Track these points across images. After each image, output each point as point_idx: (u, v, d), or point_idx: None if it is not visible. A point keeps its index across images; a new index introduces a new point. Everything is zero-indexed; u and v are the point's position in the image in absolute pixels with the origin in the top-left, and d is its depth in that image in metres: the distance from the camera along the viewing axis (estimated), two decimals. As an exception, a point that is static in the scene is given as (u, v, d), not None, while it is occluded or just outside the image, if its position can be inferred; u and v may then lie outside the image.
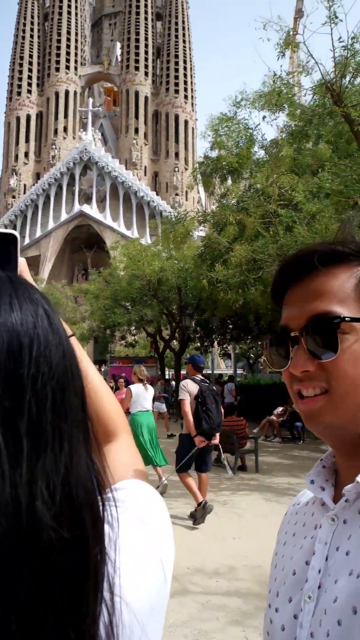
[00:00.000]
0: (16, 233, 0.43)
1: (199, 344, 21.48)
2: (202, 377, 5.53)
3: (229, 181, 10.86)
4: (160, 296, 18.60)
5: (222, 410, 5.44)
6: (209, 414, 5.00)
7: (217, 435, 5.26)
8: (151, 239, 22.97)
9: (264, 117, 9.85)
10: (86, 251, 55.79)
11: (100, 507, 0.39)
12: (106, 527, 0.40)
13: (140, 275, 18.33)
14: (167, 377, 24.82)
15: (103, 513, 0.40)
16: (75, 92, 60.44)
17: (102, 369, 37.72)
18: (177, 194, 56.76)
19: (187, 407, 5.07)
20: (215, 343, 20.18)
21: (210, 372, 28.44)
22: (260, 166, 10.06)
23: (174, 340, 21.56)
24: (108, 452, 0.64)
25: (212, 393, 5.24)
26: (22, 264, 0.49)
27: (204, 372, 5.92)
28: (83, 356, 0.62)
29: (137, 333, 25.94)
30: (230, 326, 16.30)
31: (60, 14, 60.24)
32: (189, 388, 5.18)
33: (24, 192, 57.26)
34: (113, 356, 28.19)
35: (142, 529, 0.50)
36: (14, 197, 58.57)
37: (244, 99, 10.33)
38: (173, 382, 20.20)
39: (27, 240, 53.97)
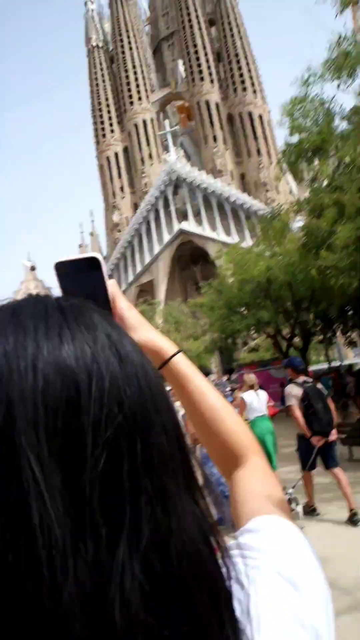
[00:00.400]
0: (98, 255, 0.38)
1: (321, 337, 20.57)
2: (305, 378, 5.61)
3: (316, 162, 10.35)
4: (272, 295, 18.22)
5: (332, 406, 5.35)
6: (317, 415, 5.07)
7: (334, 432, 5.27)
8: (252, 241, 22.68)
9: (338, 86, 9.27)
10: (194, 266, 57.00)
11: (222, 573, 0.30)
12: (235, 596, 0.30)
13: (249, 279, 18.17)
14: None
15: (226, 583, 0.29)
16: (151, 119, 62.80)
17: (232, 377, 37.98)
18: (267, 190, 55.60)
19: (297, 412, 5.20)
20: (338, 333, 19.14)
21: (339, 363, 27.11)
22: (345, 139, 9.44)
23: (295, 338, 20.92)
24: (236, 482, 0.54)
25: (316, 393, 5.27)
26: (111, 285, 0.43)
27: (322, 367, 5.85)
28: (194, 374, 0.55)
29: (257, 337, 25.68)
30: (350, 312, 15.36)
31: (123, 52, 63.38)
32: (294, 392, 5.33)
33: (127, 224, 60.52)
34: (239, 364, 28.17)
35: (289, 592, 0.34)
36: (119, 230, 62.20)
37: (312, 75, 9.84)
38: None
39: (139, 268, 56.78)
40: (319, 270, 10.05)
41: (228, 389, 33.09)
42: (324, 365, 26.55)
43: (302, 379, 5.51)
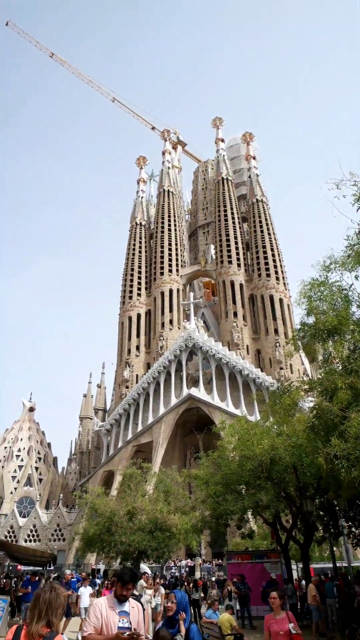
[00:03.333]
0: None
1: (325, 532, 18.35)
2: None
3: (330, 344, 10.24)
4: (274, 477, 16.77)
5: None
6: None
7: None
8: (260, 416, 21.94)
9: (356, 277, 9.55)
10: (197, 434, 55.25)
11: None
12: None
13: (251, 456, 16.95)
14: (295, 573, 21.05)
15: None
16: (178, 290, 67.49)
17: (222, 563, 33.74)
18: (281, 368, 56.52)
19: None
20: (346, 529, 17.06)
21: (346, 565, 23.81)
22: (362, 325, 9.42)
23: (296, 529, 18.72)
24: None
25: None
26: None
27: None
28: None
29: (253, 521, 23.17)
30: (361, 508, 13.78)
31: (162, 232, 71.29)
32: None
33: (137, 382, 60.71)
34: (230, 551, 25.02)
35: None
36: (127, 387, 62.20)
37: (333, 262, 10.27)
38: (303, 582, 16.79)
39: (139, 427, 55.17)
40: (327, 458, 9.12)
41: (214, 578, 29.00)
42: (328, 565, 23.28)
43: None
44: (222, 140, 78.26)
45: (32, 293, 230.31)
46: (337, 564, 21.81)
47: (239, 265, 65.81)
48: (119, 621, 3.51)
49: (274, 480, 16.76)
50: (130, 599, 3.55)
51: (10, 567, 27.46)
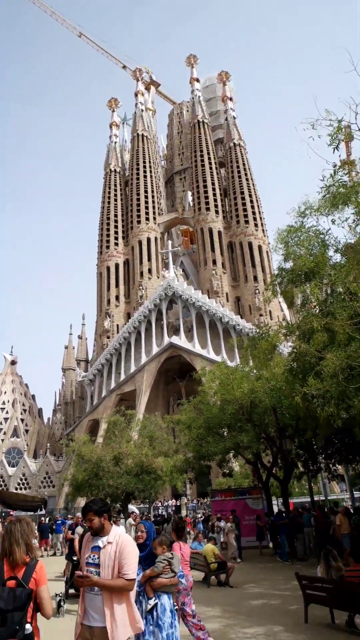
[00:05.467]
0: None
1: (302, 469, 19.30)
2: None
3: (308, 288, 10.32)
4: (255, 420, 17.37)
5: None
6: None
7: None
8: (241, 362, 22.42)
9: (332, 221, 9.52)
10: (179, 381, 56.36)
11: None
12: None
13: (231, 400, 17.45)
14: (275, 507, 22.30)
15: None
16: (155, 238, 66.51)
17: (207, 502, 35.52)
18: (261, 315, 57.22)
19: None
20: (323, 465, 17.97)
21: (323, 498, 25.28)
22: (338, 269, 9.47)
23: (276, 467, 19.64)
24: None
25: None
26: None
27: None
28: None
29: (235, 461, 24.18)
30: (337, 444, 14.44)
31: (137, 179, 69.23)
32: None
33: (118, 332, 60.91)
34: (214, 489, 26.24)
35: None
36: (108, 337, 62.39)
37: (309, 208, 10.17)
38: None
39: (122, 376, 55.94)
40: (304, 397, 9.43)
41: (200, 515, 30.60)
42: (307, 499, 24.73)
43: None
44: (197, 80, 74.79)
45: (8, 247, 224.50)
46: (315, 498, 23.17)
47: (217, 212, 64.86)
48: (88, 557, 3.56)
49: (254, 422, 17.36)
50: (115, 534, 3.52)
51: (3, 513, 28.36)
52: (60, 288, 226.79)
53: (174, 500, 42.26)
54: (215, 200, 65.30)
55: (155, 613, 3.94)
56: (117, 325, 62.82)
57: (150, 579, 4.04)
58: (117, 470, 23.12)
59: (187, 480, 29.29)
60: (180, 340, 54.28)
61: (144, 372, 54.57)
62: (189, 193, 72.57)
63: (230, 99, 72.95)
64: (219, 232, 63.87)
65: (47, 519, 27.84)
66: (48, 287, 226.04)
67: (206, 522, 21.70)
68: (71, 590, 10.05)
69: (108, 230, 67.99)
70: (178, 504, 38.89)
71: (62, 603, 8.92)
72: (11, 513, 22.84)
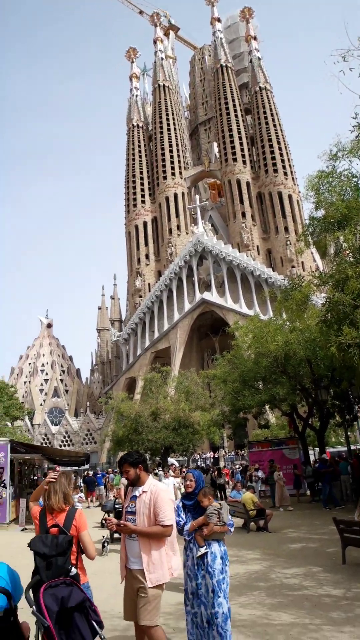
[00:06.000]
0: None
1: (338, 419, 19.33)
2: None
3: (342, 238, 9.95)
4: (290, 372, 17.35)
5: None
6: None
7: None
8: (274, 315, 22.16)
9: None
10: (212, 337, 56.62)
11: None
12: None
13: (266, 353, 17.41)
14: (312, 457, 22.59)
15: None
16: (182, 194, 65.24)
17: (244, 453, 36.35)
18: (293, 267, 56.07)
19: None
20: (359, 415, 17.94)
21: (359, 447, 25.36)
22: (373, 213, 9.05)
23: (312, 418, 19.73)
24: None
25: None
26: None
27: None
28: None
29: (272, 413, 24.42)
30: (375, 394, 14.32)
31: (161, 133, 67.28)
32: None
33: (149, 291, 61.19)
34: (251, 441, 26.72)
35: None
36: (140, 296, 62.81)
37: (341, 150, 9.66)
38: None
39: (156, 334, 56.62)
40: (340, 347, 9.29)
41: (238, 465, 31.28)
42: (343, 448, 24.92)
43: None
44: (219, 20, 70.72)
45: (38, 214, 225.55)
46: (352, 447, 23.30)
47: (244, 162, 62.75)
48: (128, 506, 3.80)
49: (289, 374, 17.35)
50: (150, 484, 3.70)
51: (49, 468, 29.87)
52: (91, 250, 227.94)
53: (212, 453, 43.40)
54: (242, 150, 63.05)
55: (205, 560, 4.09)
56: (149, 284, 63.00)
57: (200, 527, 4.17)
58: (156, 425, 23.79)
59: (225, 433, 29.89)
60: (212, 296, 54.13)
61: (177, 329, 55.01)
62: (215, 144, 70.21)
63: (255, 39, 68.81)
64: (248, 183, 62.03)
65: (92, 472, 29.16)
66: (79, 249, 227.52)
67: (244, 472, 22.24)
68: (116, 535, 10.76)
69: (134, 188, 67.05)
70: (216, 456, 39.94)
71: (105, 544, 9.99)
72: (57, 468, 23.99)
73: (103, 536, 10.47)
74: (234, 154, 62.74)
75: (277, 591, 6.39)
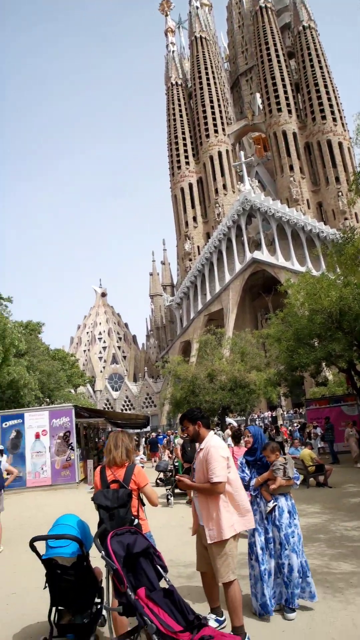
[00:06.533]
0: None
1: None
2: None
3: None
4: (345, 327, 16.93)
5: None
6: None
7: None
8: (327, 270, 21.52)
9: None
10: (265, 296, 55.92)
11: None
12: None
13: (320, 309, 17.03)
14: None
15: None
16: (227, 151, 63.45)
17: (302, 411, 36.35)
18: (345, 219, 53.73)
19: None
20: None
21: None
22: None
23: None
24: None
25: None
26: None
27: None
28: None
29: (328, 371, 24.09)
30: None
31: (201, 89, 65.07)
32: None
33: (199, 254, 60.89)
34: (308, 399, 26.61)
35: None
36: (190, 260, 62.68)
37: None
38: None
39: (208, 297, 56.64)
40: None
41: (296, 423, 31.40)
42: None
43: None
44: None
45: (83, 183, 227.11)
46: None
47: (289, 111, 59.81)
48: (193, 463, 3.94)
49: (345, 330, 16.94)
50: (206, 441, 3.70)
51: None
52: (140, 217, 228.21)
53: (269, 412, 43.66)
54: (287, 98, 60.05)
55: (273, 514, 4.23)
56: (198, 247, 62.64)
57: (265, 482, 4.29)
58: (212, 386, 24.16)
59: (281, 392, 29.90)
60: (263, 255, 53.12)
61: (229, 290, 54.71)
62: (257, 95, 67.17)
63: (295, -26, 64.14)
64: (294, 134, 59.28)
65: (154, 434, 30.30)
66: (127, 218, 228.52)
67: (302, 430, 22.30)
68: (177, 490, 11.54)
69: (177, 149, 65.86)
70: (274, 415, 40.16)
71: (169, 497, 11.02)
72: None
73: (167, 489, 11.61)
74: (278, 103, 59.90)
75: (337, 542, 6.53)
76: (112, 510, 3.16)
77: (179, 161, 65.43)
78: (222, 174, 62.28)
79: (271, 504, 4.21)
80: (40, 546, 3.56)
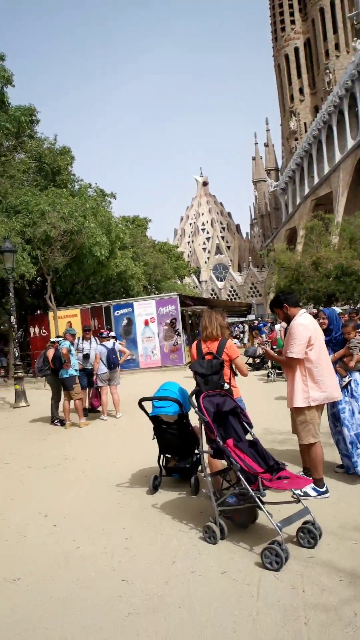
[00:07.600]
0: None
1: None
2: None
3: None
4: None
5: None
6: None
7: None
8: None
9: None
10: (381, 176, 50.68)
11: None
12: None
13: None
14: None
15: None
16: (341, 0, 54.43)
17: None
18: None
19: None
20: None
21: None
22: None
23: None
24: None
25: None
26: None
27: None
28: None
29: None
30: None
31: None
32: None
33: (306, 131, 55.91)
34: None
35: None
36: (296, 139, 58.09)
37: None
38: None
39: (316, 180, 52.84)
40: None
41: None
42: None
43: None
44: None
45: (181, 67, 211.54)
46: None
47: None
48: None
49: None
50: (295, 318, 3.93)
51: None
52: (238, 95, 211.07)
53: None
54: None
55: (350, 387, 4.46)
56: (304, 124, 57.34)
57: (340, 359, 4.50)
58: (317, 274, 23.59)
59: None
60: (380, 127, 47.20)
61: (339, 171, 50.29)
62: None
63: None
64: None
65: (256, 321, 31.02)
66: (225, 98, 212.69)
67: None
68: (279, 370, 12.10)
69: (281, 7, 57.89)
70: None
71: (270, 374, 11.83)
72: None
73: (266, 366, 13.24)
74: None
75: None
76: (206, 376, 3.59)
77: (282, 21, 57.80)
78: (335, 31, 54.22)
79: (346, 379, 4.41)
80: (149, 408, 4.37)
